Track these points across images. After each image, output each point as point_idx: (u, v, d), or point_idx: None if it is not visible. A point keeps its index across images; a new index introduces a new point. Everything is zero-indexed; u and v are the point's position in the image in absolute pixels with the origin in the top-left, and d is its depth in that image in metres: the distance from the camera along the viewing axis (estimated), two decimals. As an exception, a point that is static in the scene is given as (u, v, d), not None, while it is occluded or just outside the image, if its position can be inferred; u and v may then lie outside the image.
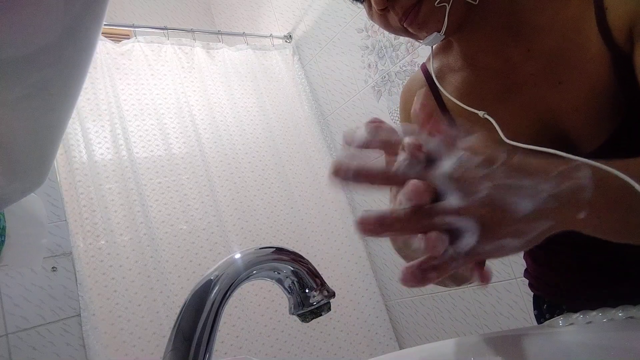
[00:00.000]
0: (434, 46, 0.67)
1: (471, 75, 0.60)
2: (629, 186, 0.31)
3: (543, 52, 0.53)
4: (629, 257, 0.56)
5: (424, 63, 0.68)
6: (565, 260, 0.63)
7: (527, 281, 0.74)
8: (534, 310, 0.74)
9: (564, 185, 0.30)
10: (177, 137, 1.76)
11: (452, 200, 0.28)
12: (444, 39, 0.54)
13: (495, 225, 0.29)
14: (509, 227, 0.29)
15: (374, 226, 0.29)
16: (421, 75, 0.67)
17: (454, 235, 0.29)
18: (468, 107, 0.56)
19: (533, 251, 0.69)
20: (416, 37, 0.55)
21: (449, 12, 0.50)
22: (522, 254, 0.73)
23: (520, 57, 0.55)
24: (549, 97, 0.53)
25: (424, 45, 1.61)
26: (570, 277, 0.64)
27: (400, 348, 1.85)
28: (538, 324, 0.71)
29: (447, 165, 0.29)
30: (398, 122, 0.72)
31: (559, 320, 0.59)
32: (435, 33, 0.52)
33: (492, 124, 0.51)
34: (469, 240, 0.28)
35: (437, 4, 0.50)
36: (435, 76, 0.64)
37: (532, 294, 0.74)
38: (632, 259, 0.56)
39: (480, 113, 0.54)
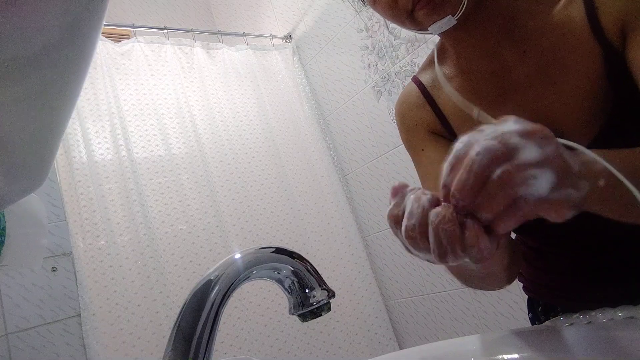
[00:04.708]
0: (427, 56, 0.67)
1: (466, 80, 0.60)
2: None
3: (538, 54, 0.54)
4: (626, 259, 0.56)
5: (415, 75, 0.67)
6: (562, 263, 0.63)
7: (525, 282, 0.74)
8: (529, 313, 0.74)
9: (582, 159, 0.34)
10: (177, 137, 1.76)
11: (531, 152, 0.31)
12: (454, 24, 0.52)
13: (566, 174, 0.32)
14: (571, 179, 0.32)
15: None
16: (414, 87, 0.66)
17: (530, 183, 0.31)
18: (465, 109, 0.57)
19: (528, 255, 0.69)
20: (419, 26, 0.54)
21: None
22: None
23: (516, 59, 0.56)
24: (544, 98, 0.54)
25: (423, 46, 1.62)
26: (565, 279, 0.64)
27: (400, 348, 1.85)
28: (533, 326, 0.71)
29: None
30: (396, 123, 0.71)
31: (559, 320, 0.59)
32: (449, 16, 0.51)
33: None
34: (544, 184, 0.31)
35: None
36: (430, 86, 0.64)
37: (530, 295, 0.74)
38: (630, 260, 0.56)
39: (475, 111, 0.55)
